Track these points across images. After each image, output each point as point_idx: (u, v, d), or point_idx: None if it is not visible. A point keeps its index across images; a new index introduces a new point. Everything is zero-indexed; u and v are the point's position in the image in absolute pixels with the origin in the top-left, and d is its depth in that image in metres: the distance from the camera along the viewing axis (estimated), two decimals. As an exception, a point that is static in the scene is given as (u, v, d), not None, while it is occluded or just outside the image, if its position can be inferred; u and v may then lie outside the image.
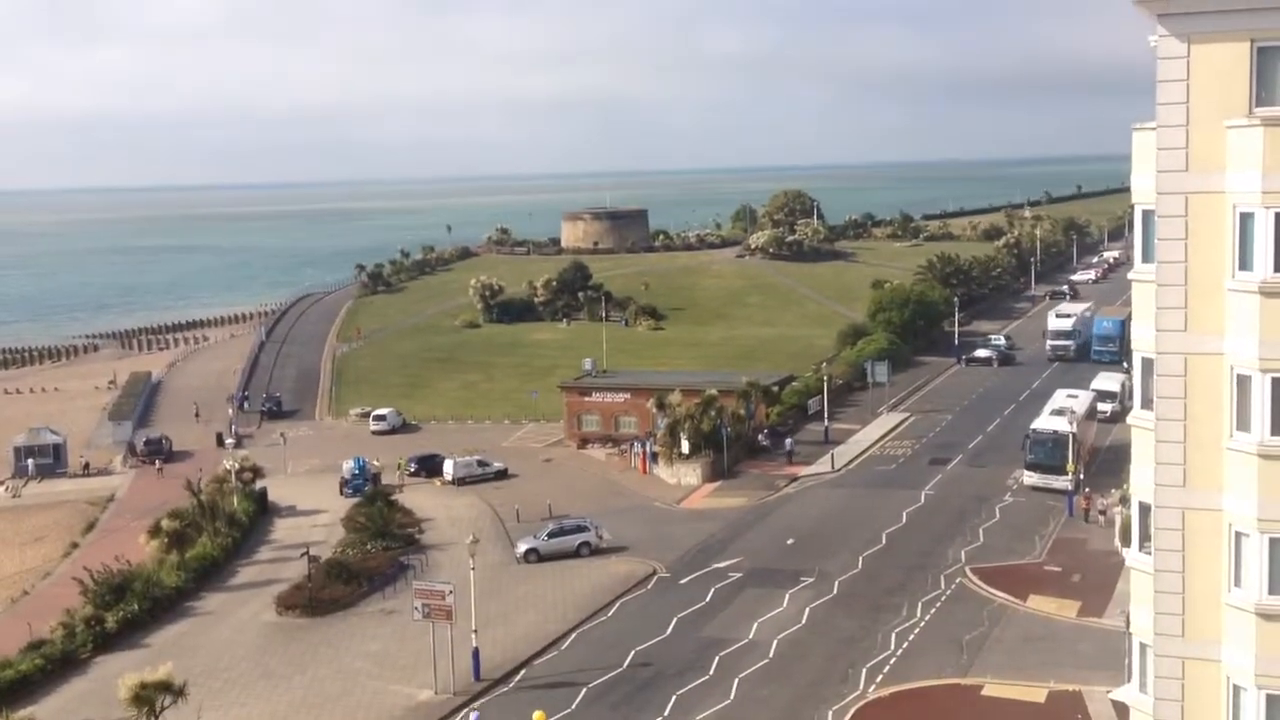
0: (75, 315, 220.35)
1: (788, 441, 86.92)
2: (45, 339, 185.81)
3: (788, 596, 57.08)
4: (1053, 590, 56.75)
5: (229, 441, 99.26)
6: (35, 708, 47.79)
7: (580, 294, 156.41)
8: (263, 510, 78.05)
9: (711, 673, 48.76)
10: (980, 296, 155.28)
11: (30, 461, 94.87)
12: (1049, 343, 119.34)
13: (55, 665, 52.99)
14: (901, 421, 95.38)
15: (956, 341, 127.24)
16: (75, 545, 75.89)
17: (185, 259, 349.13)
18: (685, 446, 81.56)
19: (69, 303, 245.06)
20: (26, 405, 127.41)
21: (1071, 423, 73.72)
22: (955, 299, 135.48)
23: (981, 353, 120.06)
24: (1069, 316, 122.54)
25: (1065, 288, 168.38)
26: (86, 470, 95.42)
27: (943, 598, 56.43)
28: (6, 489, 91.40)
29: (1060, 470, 71.91)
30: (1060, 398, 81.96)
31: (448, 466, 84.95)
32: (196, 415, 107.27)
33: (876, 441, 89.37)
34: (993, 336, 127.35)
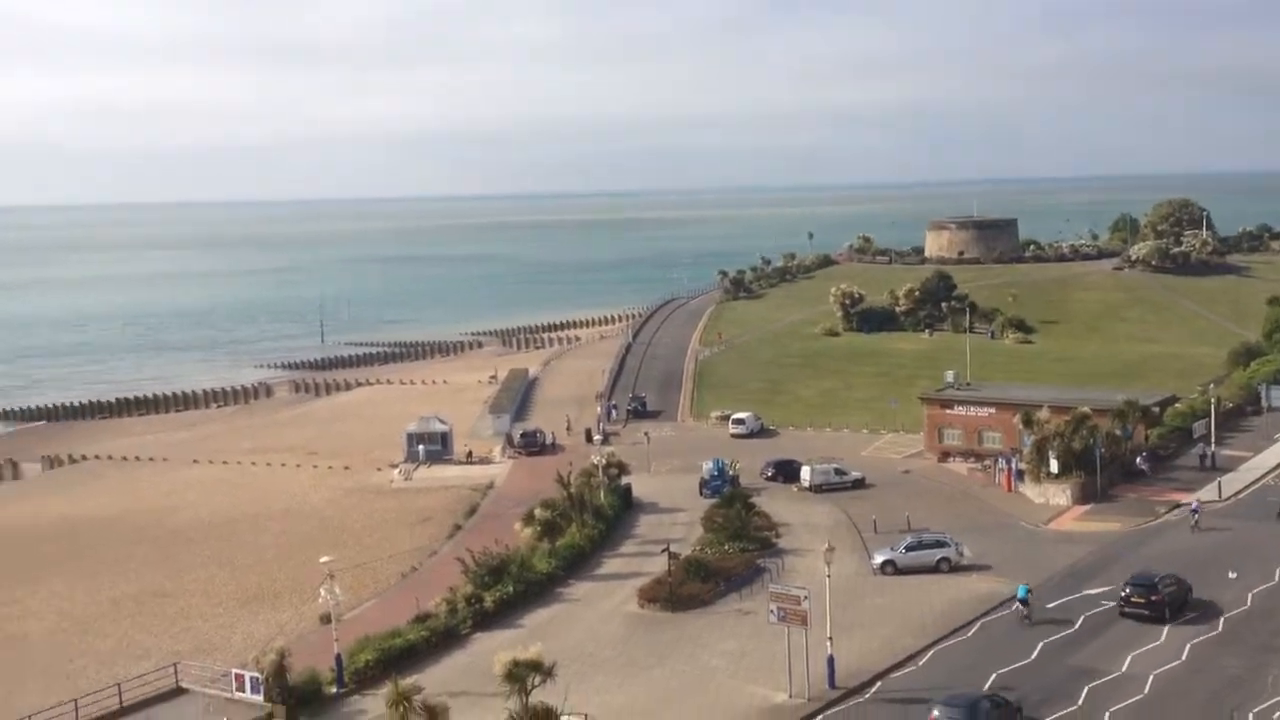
0: (460, 315, 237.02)
1: (1204, 447, 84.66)
2: (436, 335, 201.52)
3: (1166, 630, 53.38)
4: None
5: (596, 438, 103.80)
6: (420, 676, 51.32)
7: (943, 304, 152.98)
8: (627, 505, 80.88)
9: (1080, 703, 46.28)
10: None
11: (421, 447, 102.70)
12: None
13: (439, 638, 56.81)
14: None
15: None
16: (458, 527, 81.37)
17: (555, 264, 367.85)
18: (1054, 466, 78.00)
19: (455, 304, 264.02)
20: (419, 395, 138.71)
21: None
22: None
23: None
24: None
25: None
26: (470, 458, 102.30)
27: (1348, 645, 51.14)
28: (400, 472, 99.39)
29: None
30: None
31: (805, 473, 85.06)
32: (568, 428, 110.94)
33: (1271, 470, 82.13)
34: None
